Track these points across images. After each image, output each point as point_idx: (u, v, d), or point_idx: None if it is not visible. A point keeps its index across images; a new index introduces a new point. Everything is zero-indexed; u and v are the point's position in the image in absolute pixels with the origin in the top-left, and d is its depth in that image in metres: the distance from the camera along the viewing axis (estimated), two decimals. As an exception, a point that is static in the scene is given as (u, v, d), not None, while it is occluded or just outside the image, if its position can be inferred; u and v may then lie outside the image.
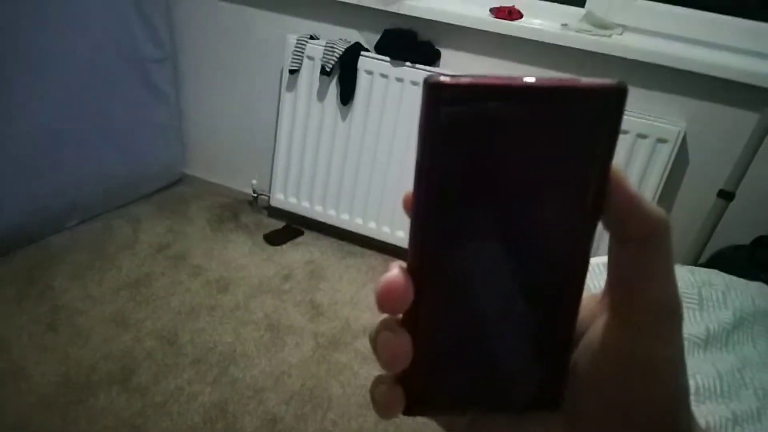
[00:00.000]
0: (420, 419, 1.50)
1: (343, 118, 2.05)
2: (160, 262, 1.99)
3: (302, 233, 2.27)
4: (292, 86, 2.08)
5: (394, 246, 2.17)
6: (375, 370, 1.66)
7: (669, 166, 1.78)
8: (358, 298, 1.96)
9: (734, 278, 1.12)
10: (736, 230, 1.85)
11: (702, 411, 0.83)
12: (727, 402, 0.87)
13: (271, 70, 2.20)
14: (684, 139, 1.82)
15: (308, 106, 2.08)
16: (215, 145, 2.42)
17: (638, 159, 1.79)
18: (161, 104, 2.27)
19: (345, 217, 2.18)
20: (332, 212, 2.20)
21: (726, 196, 1.67)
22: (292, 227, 2.29)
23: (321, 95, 2.05)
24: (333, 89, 2.03)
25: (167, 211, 2.29)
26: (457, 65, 1.95)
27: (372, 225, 2.16)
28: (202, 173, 2.49)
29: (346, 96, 2.00)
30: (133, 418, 1.42)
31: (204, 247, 2.10)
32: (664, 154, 1.77)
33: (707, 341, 0.99)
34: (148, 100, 2.22)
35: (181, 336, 1.69)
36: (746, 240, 1.76)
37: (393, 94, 1.96)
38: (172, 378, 1.55)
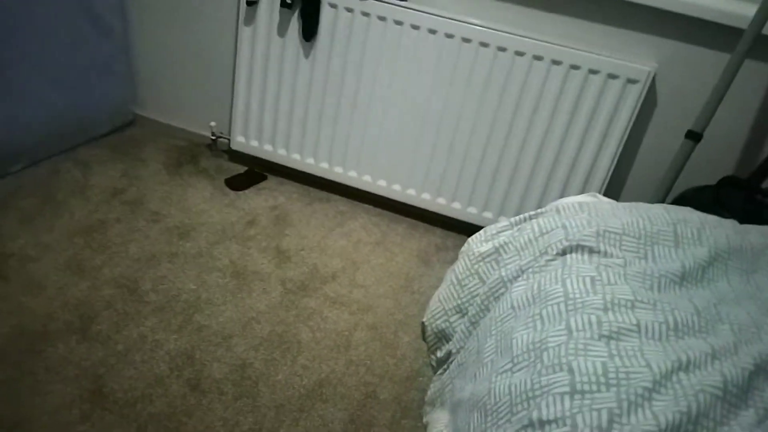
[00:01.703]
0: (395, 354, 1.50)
1: (306, 55, 1.95)
2: (115, 208, 1.89)
3: (266, 178, 2.20)
4: (250, 19, 1.96)
5: (362, 191, 2.12)
6: (345, 313, 1.65)
7: (638, 107, 1.77)
8: (325, 244, 1.92)
9: (708, 216, 1.13)
10: (703, 171, 1.87)
11: (682, 346, 0.84)
12: (705, 337, 0.88)
13: (227, 1, 2.06)
14: (654, 79, 1.81)
15: (268, 41, 1.97)
16: (169, 83, 2.28)
17: (608, 99, 1.77)
18: (106, 38, 2.11)
19: (310, 161, 2.11)
20: (297, 156, 2.12)
21: (694, 137, 1.68)
22: (254, 171, 2.21)
23: (282, 30, 1.94)
24: (295, 23, 1.92)
25: (120, 155, 2.17)
26: (427, 1, 1.86)
27: (338, 169, 2.09)
28: (156, 114, 2.36)
29: (309, 31, 1.90)
30: (94, 368, 1.37)
31: (161, 193, 2.01)
32: (634, 95, 1.75)
33: (683, 277, 1.00)
34: (92, 33, 2.06)
35: (142, 284, 1.62)
36: (712, 180, 1.78)
37: (359, 29, 1.87)
38: (134, 326, 1.49)
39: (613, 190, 2.00)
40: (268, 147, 2.14)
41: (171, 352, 1.45)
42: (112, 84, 2.21)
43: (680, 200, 1.77)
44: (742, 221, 1.19)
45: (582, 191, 1.90)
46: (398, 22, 1.83)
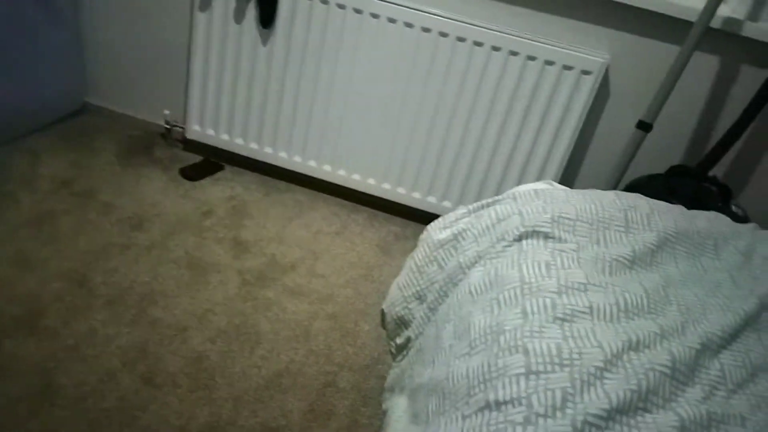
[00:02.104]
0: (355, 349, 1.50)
1: (264, 42, 1.92)
2: (65, 199, 1.83)
3: (222, 168, 2.16)
4: (205, 5, 1.91)
5: (321, 181, 2.11)
6: (304, 303, 1.64)
7: (592, 97, 1.80)
8: (284, 234, 1.90)
9: (658, 202, 1.16)
10: (653, 160, 1.93)
11: (632, 326, 0.86)
12: (654, 318, 0.90)
13: (182, -11, 2.01)
14: (607, 70, 1.85)
15: (224, 28, 1.93)
16: (121, 71, 2.21)
17: (563, 90, 1.80)
18: (56, 24, 2.03)
19: (268, 150, 2.08)
20: (254, 146, 2.09)
21: (644, 127, 1.72)
22: (210, 161, 2.17)
23: (238, 16, 1.90)
24: (252, 10, 1.88)
25: (70, 144, 2.09)
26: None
27: (297, 159, 2.07)
28: (107, 102, 2.28)
29: (267, 18, 1.87)
30: (43, 362, 1.32)
31: (113, 183, 1.95)
32: (588, 85, 1.79)
33: (633, 261, 1.02)
34: (41, 19, 1.97)
35: (92, 277, 1.57)
36: (662, 169, 1.83)
37: (318, 17, 1.85)
38: (83, 320, 1.45)
39: (568, 177, 2.04)
40: (224, 136, 2.10)
41: (123, 346, 1.41)
42: (62, 71, 2.12)
43: (631, 188, 1.82)
44: (690, 208, 1.23)
45: (538, 179, 1.94)
46: (358, 11, 1.82)
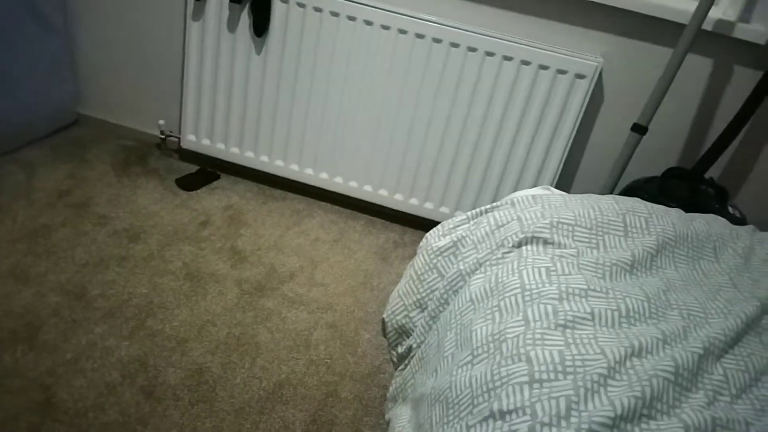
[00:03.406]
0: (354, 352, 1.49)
1: (258, 51, 1.92)
2: (61, 211, 1.82)
3: (218, 177, 2.15)
4: (198, 14, 1.91)
5: (318, 188, 2.10)
6: (304, 313, 1.63)
7: (586, 101, 1.81)
8: (282, 243, 1.89)
9: (655, 205, 1.16)
10: (649, 163, 1.93)
11: (634, 332, 0.86)
12: (656, 323, 0.90)
13: (175, -1, 2.01)
14: (600, 74, 1.85)
15: (218, 37, 1.93)
16: (114, 81, 2.20)
17: (558, 94, 1.81)
18: (48, 35, 2.03)
19: (264, 159, 2.08)
20: (250, 154, 2.08)
21: (639, 129, 1.73)
22: (206, 171, 2.16)
23: (232, 25, 1.90)
24: (245, 19, 1.88)
25: (64, 156, 2.08)
26: (378, -4, 1.86)
27: (294, 167, 2.07)
28: (102, 114, 2.28)
29: (260, 27, 1.87)
30: (42, 378, 1.31)
31: (109, 194, 1.94)
32: (582, 89, 1.79)
33: (633, 266, 1.02)
34: (33, 30, 1.97)
35: (90, 289, 1.57)
36: (658, 171, 1.84)
37: (312, 25, 1.85)
38: (83, 333, 1.44)
39: (565, 182, 2.05)
40: (220, 145, 2.09)
41: (123, 359, 1.40)
42: (55, 83, 2.12)
43: (628, 191, 1.82)
44: (687, 210, 1.24)
45: (535, 184, 1.94)
46: (351, 18, 1.82)
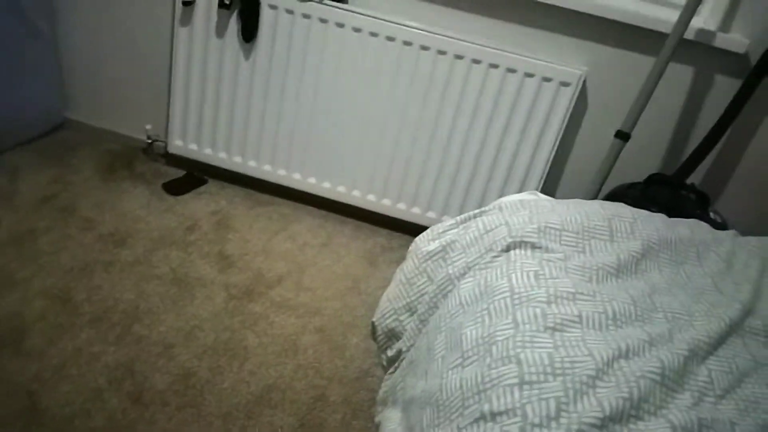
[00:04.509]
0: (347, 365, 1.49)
1: (246, 56, 1.92)
2: (45, 216, 1.80)
3: (206, 182, 2.15)
4: (187, 20, 1.91)
5: (306, 193, 2.11)
6: (292, 317, 1.63)
7: (571, 109, 1.84)
8: (270, 248, 1.89)
9: (640, 210, 1.19)
10: (632, 169, 1.97)
11: (621, 335, 0.88)
12: (642, 325, 0.92)
13: (163, 0, 2.00)
14: (584, 82, 1.89)
15: (206, 42, 1.93)
16: (101, 85, 2.19)
17: (543, 102, 1.83)
18: (33, 39, 2.01)
19: (252, 164, 2.08)
20: (238, 159, 2.08)
21: (623, 136, 1.76)
22: (193, 175, 2.16)
23: (220, 31, 1.91)
24: (234, 24, 1.89)
25: (50, 160, 2.06)
26: (368, 2, 1.87)
27: (282, 172, 2.07)
28: (87, 117, 2.26)
29: (249, 32, 1.87)
30: (28, 384, 1.30)
31: (94, 199, 1.93)
32: (567, 97, 1.82)
33: (619, 269, 1.04)
34: (18, 33, 1.95)
35: (76, 294, 1.55)
36: (640, 177, 1.87)
37: (300, 31, 1.86)
38: (68, 339, 1.42)
39: (550, 187, 2.07)
40: (207, 150, 2.09)
41: (109, 365, 1.39)
42: (40, 86, 2.10)
43: (612, 197, 1.85)
44: (669, 215, 1.26)
45: (520, 190, 1.96)
46: (339, 25, 1.83)
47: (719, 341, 0.90)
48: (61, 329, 1.45)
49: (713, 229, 1.22)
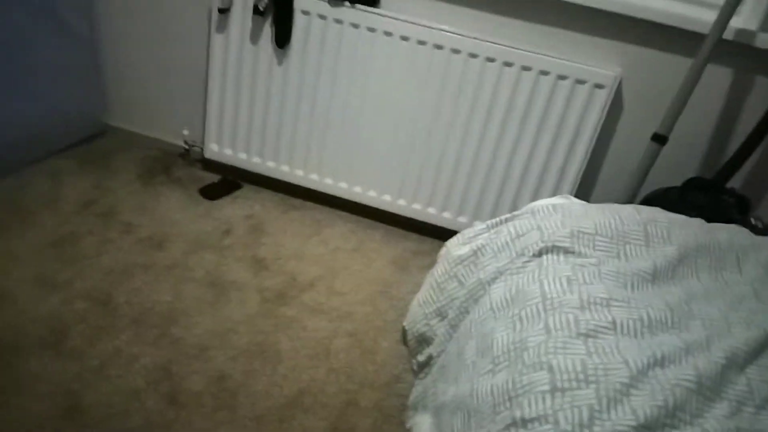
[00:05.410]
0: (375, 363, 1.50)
1: (280, 62, 1.95)
2: (87, 220, 1.86)
3: (240, 186, 2.18)
4: (222, 27, 1.95)
5: (338, 198, 2.12)
6: (324, 321, 1.65)
7: (606, 111, 1.81)
8: (303, 252, 1.91)
9: (676, 215, 1.16)
10: (669, 173, 1.92)
11: (656, 342, 0.86)
12: (678, 332, 0.90)
13: (199, 8, 2.05)
14: (620, 84, 1.86)
15: (241, 48, 1.96)
16: (139, 92, 2.25)
17: (577, 104, 1.81)
18: (74, 46, 2.08)
19: (285, 168, 2.11)
20: (271, 164, 2.11)
21: (659, 139, 1.73)
22: (228, 180, 2.20)
23: (254, 37, 1.94)
24: (268, 31, 1.92)
25: (90, 165, 2.13)
26: (399, 6, 1.88)
27: (314, 177, 2.09)
28: (127, 124, 2.33)
29: (282, 38, 1.90)
30: (68, 383, 1.34)
31: (134, 203, 1.98)
32: (601, 99, 1.80)
33: (655, 275, 1.02)
34: (59, 41, 2.02)
35: (115, 296, 1.60)
36: (678, 181, 1.83)
37: (332, 36, 1.88)
38: (108, 340, 1.47)
39: (584, 192, 2.04)
40: (242, 155, 2.13)
41: (147, 366, 1.42)
42: (81, 93, 2.17)
43: (648, 201, 1.81)
44: (707, 221, 1.23)
45: (554, 194, 1.94)
46: (371, 29, 1.85)
47: (758, 350, 0.87)
48: (101, 330, 1.49)
49: (753, 235, 1.19)
